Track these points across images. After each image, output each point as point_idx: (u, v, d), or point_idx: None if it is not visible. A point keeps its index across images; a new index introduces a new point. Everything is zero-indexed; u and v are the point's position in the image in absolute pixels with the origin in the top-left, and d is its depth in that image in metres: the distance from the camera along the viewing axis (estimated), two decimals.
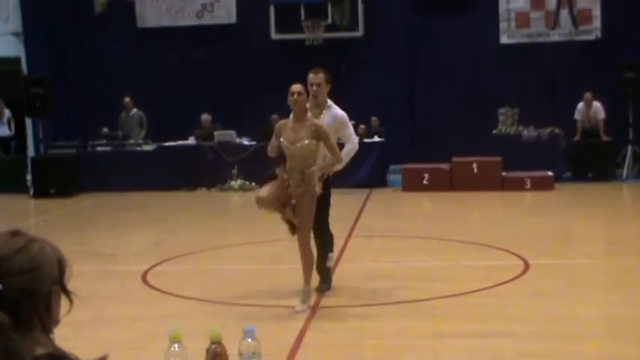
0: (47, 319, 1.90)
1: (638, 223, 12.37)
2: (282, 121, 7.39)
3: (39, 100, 17.33)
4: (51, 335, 1.92)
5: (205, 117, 18.04)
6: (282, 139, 7.10)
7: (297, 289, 7.89)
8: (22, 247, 1.90)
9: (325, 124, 7.36)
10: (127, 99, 18.45)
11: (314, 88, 7.54)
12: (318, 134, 7.05)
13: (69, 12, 20.08)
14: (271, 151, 7.33)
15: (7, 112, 20.24)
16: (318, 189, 7.13)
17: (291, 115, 7.27)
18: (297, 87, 7.11)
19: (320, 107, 7.65)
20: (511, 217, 12.91)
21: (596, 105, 17.38)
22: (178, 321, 6.58)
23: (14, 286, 1.83)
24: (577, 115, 17.55)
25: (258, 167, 16.26)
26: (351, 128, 7.94)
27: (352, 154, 7.80)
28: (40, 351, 1.83)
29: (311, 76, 7.63)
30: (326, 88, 7.70)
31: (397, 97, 19.43)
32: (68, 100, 19.97)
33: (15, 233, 1.95)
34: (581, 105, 17.49)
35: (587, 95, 17.35)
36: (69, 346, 1.91)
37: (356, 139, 8.00)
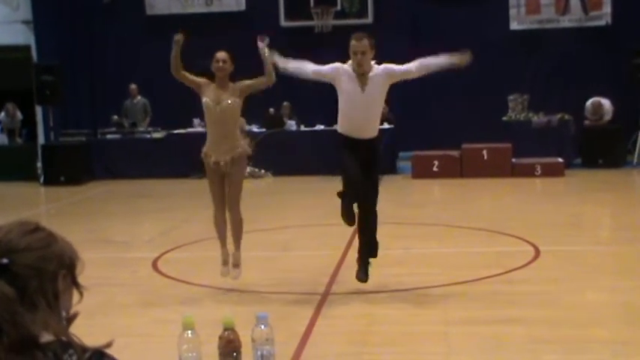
0: (55, 304, 1.92)
1: None
2: (206, 81, 7.45)
3: (49, 88, 17.38)
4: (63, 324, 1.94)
5: None
6: (205, 98, 7.29)
7: (308, 276, 7.92)
8: (30, 230, 1.96)
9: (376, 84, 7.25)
10: (132, 86, 18.48)
11: (358, 56, 7.13)
12: (241, 88, 7.37)
13: None
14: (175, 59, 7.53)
15: (18, 115, 20.33)
16: (248, 149, 7.51)
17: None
18: (221, 54, 7.44)
19: (366, 75, 7.19)
20: (521, 204, 12.88)
21: (606, 106, 17.29)
22: (190, 308, 6.61)
23: (21, 262, 1.87)
24: (586, 113, 17.49)
25: (267, 154, 16.33)
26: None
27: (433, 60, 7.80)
28: (48, 337, 1.85)
29: (354, 42, 7.19)
30: (371, 55, 7.23)
31: (407, 84, 19.30)
32: (78, 88, 19.98)
33: (24, 222, 1.99)
34: (588, 105, 17.40)
35: (595, 101, 17.25)
36: (80, 333, 1.92)
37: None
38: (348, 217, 7.25)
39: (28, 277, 1.87)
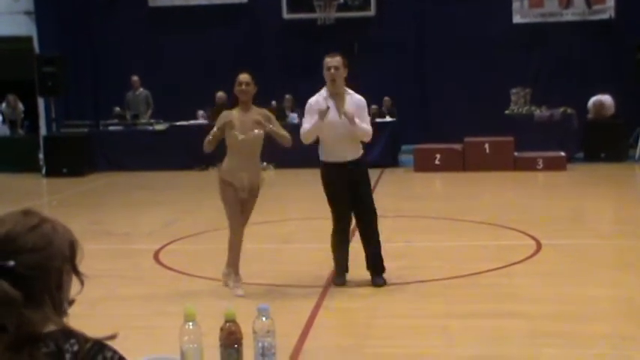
0: (58, 297, 1.92)
1: None
2: (226, 112, 7.16)
3: (51, 79, 17.38)
4: (64, 315, 1.94)
5: (221, 94, 17.97)
6: (231, 131, 6.95)
7: (309, 269, 7.93)
8: (34, 226, 1.93)
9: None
10: (134, 77, 18.47)
11: (332, 71, 7.17)
12: (268, 119, 7.07)
13: None
14: (210, 144, 7.05)
15: (20, 106, 20.35)
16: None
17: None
18: (245, 77, 7.05)
19: (340, 95, 7.22)
20: (523, 198, 12.88)
21: (607, 103, 17.29)
22: (191, 300, 6.61)
23: (26, 264, 1.86)
24: (589, 108, 17.52)
25: (269, 147, 16.31)
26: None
27: (366, 136, 7.39)
28: (50, 326, 1.85)
29: (328, 59, 7.23)
30: (344, 73, 7.26)
31: (409, 76, 19.37)
32: (80, 79, 19.99)
33: (27, 212, 1.97)
34: (590, 105, 17.42)
35: (596, 102, 17.24)
36: (82, 324, 1.93)
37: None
38: (340, 276, 7.37)
39: (33, 278, 1.86)
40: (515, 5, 19.09)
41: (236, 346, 3.24)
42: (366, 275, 7.47)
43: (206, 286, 7.43)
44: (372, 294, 7.06)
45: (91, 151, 17.60)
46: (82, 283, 1.99)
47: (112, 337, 1.93)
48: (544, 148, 16.29)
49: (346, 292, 7.11)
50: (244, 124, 7.01)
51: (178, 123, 17.83)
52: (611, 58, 18.17)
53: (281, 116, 17.51)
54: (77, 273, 1.98)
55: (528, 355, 5.38)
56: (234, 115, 7.08)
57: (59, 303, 1.92)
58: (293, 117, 17.45)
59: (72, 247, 1.98)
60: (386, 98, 18.23)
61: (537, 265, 7.99)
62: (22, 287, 1.82)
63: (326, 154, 7.31)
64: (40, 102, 19.82)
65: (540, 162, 15.97)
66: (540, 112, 17.37)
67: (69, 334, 1.86)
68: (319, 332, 5.96)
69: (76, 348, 1.84)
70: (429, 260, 8.36)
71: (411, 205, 12.40)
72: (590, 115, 17.49)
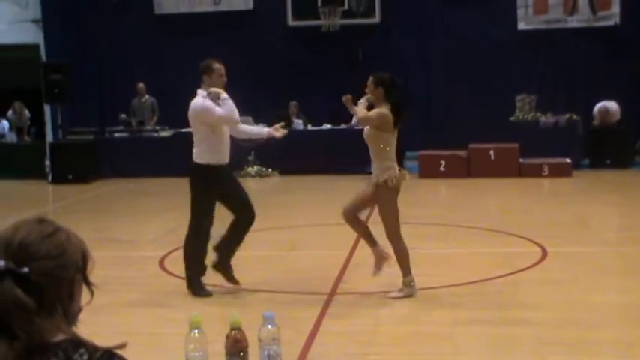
0: (69, 307, 1.92)
1: None
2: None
3: (57, 87, 17.41)
4: (74, 325, 1.95)
5: None
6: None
7: (314, 276, 7.92)
8: (49, 234, 1.94)
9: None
10: (140, 85, 18.50)
11: (224, 78, 7.81)
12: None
13: None
14: None
15: (26, 113, 20.40)
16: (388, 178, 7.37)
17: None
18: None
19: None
20: (529, 205, 12.86)
21: (613, 109, 17.27)
22: (197, 307, 6.62)
23: (40, 271, 1.86)
24: (594, 115, 17.52)
25: (274, 153, 16.33)
26: None
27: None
28: (61, 337, 1.85)
29: (221, 66, 7.87)
30: None
31: (414, 83, 19.34)
32: (86, 87, 20.03)
33: (42, 220, 1.98)
34: (596, 111, 17.42)
35: (602, 109, 17.23)
36: (86, 331, 1.93)
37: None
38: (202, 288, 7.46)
39: (46, 286, 1.87)
40: (520, 12, 19.08)
41: (242, 353, 3.25)
42: (371, 281, 7.47)
43: (212, 294, 7.42)
44: (377, 301, 7.05)
45: (97, 157, 17.63)
46: (92, 293, 2.00)
47: (122, 345, 1.93)
48: (549, 154, 16.27)
49: (351, 300, 7.10)
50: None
51: (184, 130, 17.82)
52: (616, 64, 18.14)
53: (286, 122, 17.55)
54: (88, 283, 1.99)
55: None
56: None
57: (70, 312, 1.93)
58: (298, 123, 17.44)
59: (84, 257, 1.99)
60: None
61: (543, 272, 7.98)
62: (34, 294, 1.83)
63: (217, 156, 7.68)
64: (47, 109, 19.86)
65: (545, 169, 15.96)
66: (545, 119, 17.36)
67: (78, 343, 1.86)
68: (324, 339, 5.95)
69: (85, 357, 1.84)
70: (434, 267, 8.35)
71: (415, 211, 12.36)
72: (595, 122, 17.48)
